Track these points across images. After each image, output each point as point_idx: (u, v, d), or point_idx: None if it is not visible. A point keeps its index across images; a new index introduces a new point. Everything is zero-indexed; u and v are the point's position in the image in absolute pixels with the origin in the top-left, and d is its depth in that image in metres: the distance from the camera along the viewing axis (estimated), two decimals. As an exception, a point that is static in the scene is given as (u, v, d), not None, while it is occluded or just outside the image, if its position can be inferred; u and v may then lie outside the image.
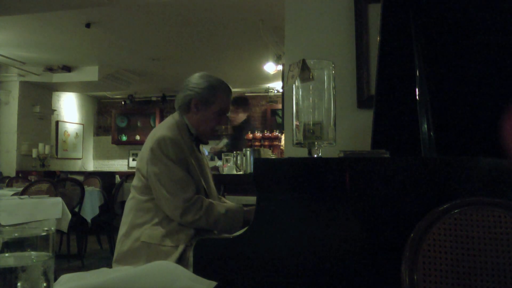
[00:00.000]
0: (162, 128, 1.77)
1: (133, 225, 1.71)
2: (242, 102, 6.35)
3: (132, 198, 1.78)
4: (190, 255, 1.61)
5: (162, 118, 9.29)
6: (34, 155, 7.51)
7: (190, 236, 1.67)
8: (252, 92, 9.17)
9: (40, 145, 7.57)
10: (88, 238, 5.06)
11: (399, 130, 1.69)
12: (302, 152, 1.44)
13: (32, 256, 0.55)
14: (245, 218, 1.72)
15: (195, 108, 1.83)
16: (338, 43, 2.35)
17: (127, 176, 5.70)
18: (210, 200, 1.72)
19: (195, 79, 1.86)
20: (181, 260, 1.60)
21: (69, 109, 9.01)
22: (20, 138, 7.43)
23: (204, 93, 1.82)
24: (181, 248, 1.63)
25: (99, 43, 5.99)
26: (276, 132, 8.01)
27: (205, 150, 9.32)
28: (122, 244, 1.72)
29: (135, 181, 1.79)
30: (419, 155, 1.45)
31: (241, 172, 4.08)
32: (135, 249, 1.67)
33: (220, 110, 1.85)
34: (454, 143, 1.61)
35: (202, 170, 1.83)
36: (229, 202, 2.07)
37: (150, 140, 1.73)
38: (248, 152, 4.09)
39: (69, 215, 3.68)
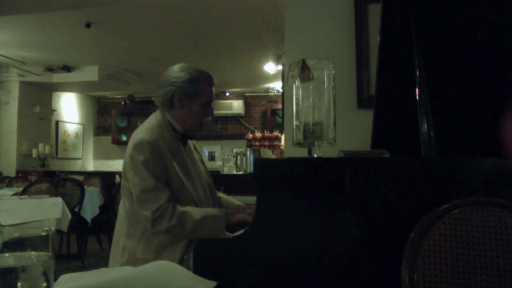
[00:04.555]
0: (141, 131, 1.70)
1: (128, 238, 1.67)
2: None
3: (123, 208, 1.72)
4: (190, 258, 1.59)
5: (162, 118, 9.26)
6: (34, 155, 7.52)
7: (186, 246, 1.62)
8: (252, 92, 9.17)
9: (40, 145, 7.57)
10: (88, 238, 5.07)
11: (399, 130, 1.69)
12: (302, 152, 1.44)
13: (32, 256, 0.55)
14: (228, 222, 1.63)
15: (179, 103, 1.73)
16: (338, 43, 2.35)
17: (127, 176, 5.69)
18: (184, 209, 1.61)
19: (175, 72, 1.76)
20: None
21: (69, 109, 9.00)
22: (20, 138, 7.43)
23: (186, 86, 1.73)
24: (177, 259, 1.59)
25: (99, 43, 5.99)
26: (276, 132, 8.01)
27: (205, 150, 9.31)
28: (120, 257, 1.67)
29: (122, 184, 1.73)
30: (419, 155, 1.45)
31: (241, 172, 4.09)
32: (131, 264, 1.63)
33: (205, 101, 1.76)
34: (454, 143, 1.61)
35: (188, 171, 1.74)
36: (231, 199, 2.03)
37: (130, 144, 1.67)
38: (248, 152, 4.10)
39: (69, 215, 3.69)
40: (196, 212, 1.62)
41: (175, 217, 1.57)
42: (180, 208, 1.60)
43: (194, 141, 1.96)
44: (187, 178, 1.71)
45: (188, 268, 1.56)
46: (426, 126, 1.43)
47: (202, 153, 9.18)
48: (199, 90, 1.74)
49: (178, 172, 1.68)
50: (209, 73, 1.81)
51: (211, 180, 1.91)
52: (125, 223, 1.70)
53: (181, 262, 1.60)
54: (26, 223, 3.03)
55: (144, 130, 1.70)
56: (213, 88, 1.81)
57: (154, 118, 1.77)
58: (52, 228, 0.57)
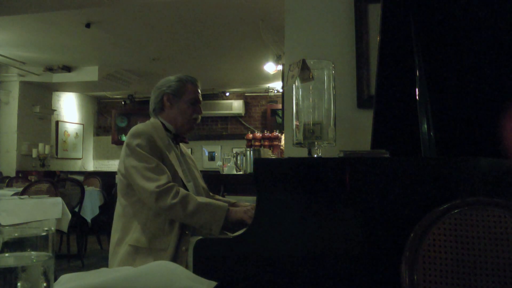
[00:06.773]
0: (136, 126, 1.84)
1: (123, 232, 1.74)
2: None
3: (119, 205, 1.82)
4: (184, 256, 1.62)
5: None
6: (34, 155, 7.51)
7: (178, 237, 1.66)
8: (252, 92, 9.17)
9: (40, 145, 7.56)
10: (88, 238, 5.06)
11: (399, 130, 1.69)
12: (302, 152, 1.44)
13: (32, 256, 0.55)
14: (229, 218, 1.66)
15: (169, 103, 1.92)
16: (338, 43, 2.35)
17: (127, 176, 5.69)
18: (188, 192, 1.71)
19: (164, 81, 1.96)
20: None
21: (69, 109, 9.00)
22: (20, 138, 7.43)
23: (173, 86, 1.92)
24: (170, 250, 1.62)
25: (99, 43, 5.98)
26: (276, 132, 8.01)
27: (205, 150, 9.29)
28: (114, 253, 1.73)
29: (118, 184, 1.84)
30: (419, 155, 1.45)
31: (241, 172, 4.08)
32: (125, 254, 1.67)
33: (192, 99, 1.93)
34: (454, 143, 1.61)
35: (181, 164, 1.87)
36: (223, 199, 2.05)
37: (127, 137, 1.81)
38: (248, 152, 4.09)
39: (69, 215, 3.69)
40: (199, 197, 1.71)
41: (179, 196, 1.65)
42: (183, 190, 1.70)
43: (187, 148, 2.08)
44: (180, 168, 1.83)
45: (186, 263, 1.59)
46: (426, 126, 1.43)
47: (202, 153, 9.25)
48: (185, 88, 1.93)
49: (172, 161, 1.79)
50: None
51: (205, 185, 2.01)
52: (119, 221, 1.77)
53: (176, 250, 1.63)
54: (26, 223, 3.03)
55: (139, 125, 1.84)
56: (199, 90, 1.98)
57: (148, 122, 1.93)
58: (52, 228, 0.57)
